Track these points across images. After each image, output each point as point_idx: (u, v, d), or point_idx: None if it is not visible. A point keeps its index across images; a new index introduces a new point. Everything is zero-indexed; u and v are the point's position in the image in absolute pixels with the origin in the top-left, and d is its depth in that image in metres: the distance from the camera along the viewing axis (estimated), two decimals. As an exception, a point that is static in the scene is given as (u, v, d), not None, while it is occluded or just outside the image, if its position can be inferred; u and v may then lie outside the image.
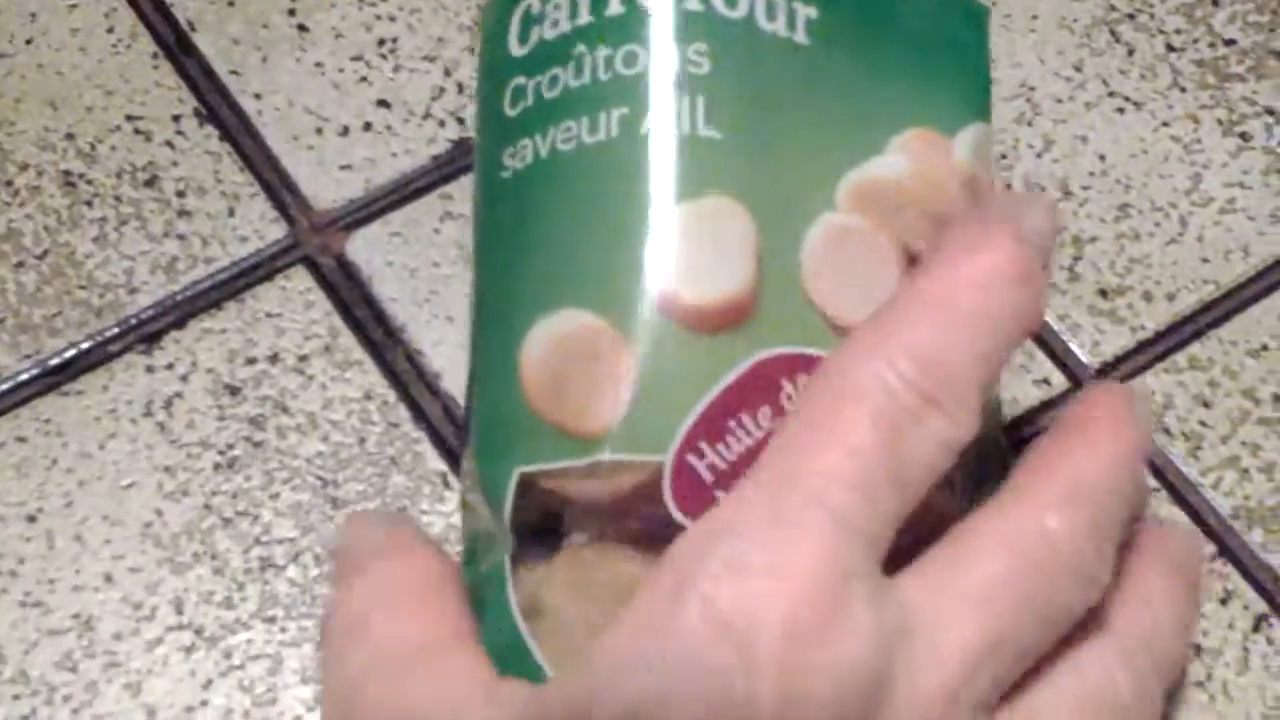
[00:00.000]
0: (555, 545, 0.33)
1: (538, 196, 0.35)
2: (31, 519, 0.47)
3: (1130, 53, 0.56)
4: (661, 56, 0.34)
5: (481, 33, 0.38)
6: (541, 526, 0.34)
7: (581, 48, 0.35)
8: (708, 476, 0.32)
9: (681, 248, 0.33)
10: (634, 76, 0.35)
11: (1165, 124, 0.55)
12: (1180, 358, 0.51)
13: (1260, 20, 0.57)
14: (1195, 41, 0.56)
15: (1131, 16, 0.57)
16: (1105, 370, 0.50)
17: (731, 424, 0.32)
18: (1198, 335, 0.51)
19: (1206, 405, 0.50)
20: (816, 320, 0.34)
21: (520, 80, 0.36)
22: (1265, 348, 0.51)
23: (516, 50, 0.36)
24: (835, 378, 0.31)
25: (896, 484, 0.31)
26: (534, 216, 0.35)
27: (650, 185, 0.34)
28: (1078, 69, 0.56)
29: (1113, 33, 0.57)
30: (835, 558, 0.29)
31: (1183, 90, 0.55)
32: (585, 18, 0.35)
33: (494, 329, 0.35)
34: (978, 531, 0.32)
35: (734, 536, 0.29)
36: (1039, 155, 0.54)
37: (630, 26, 0.35)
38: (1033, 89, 0.55)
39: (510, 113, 0.36)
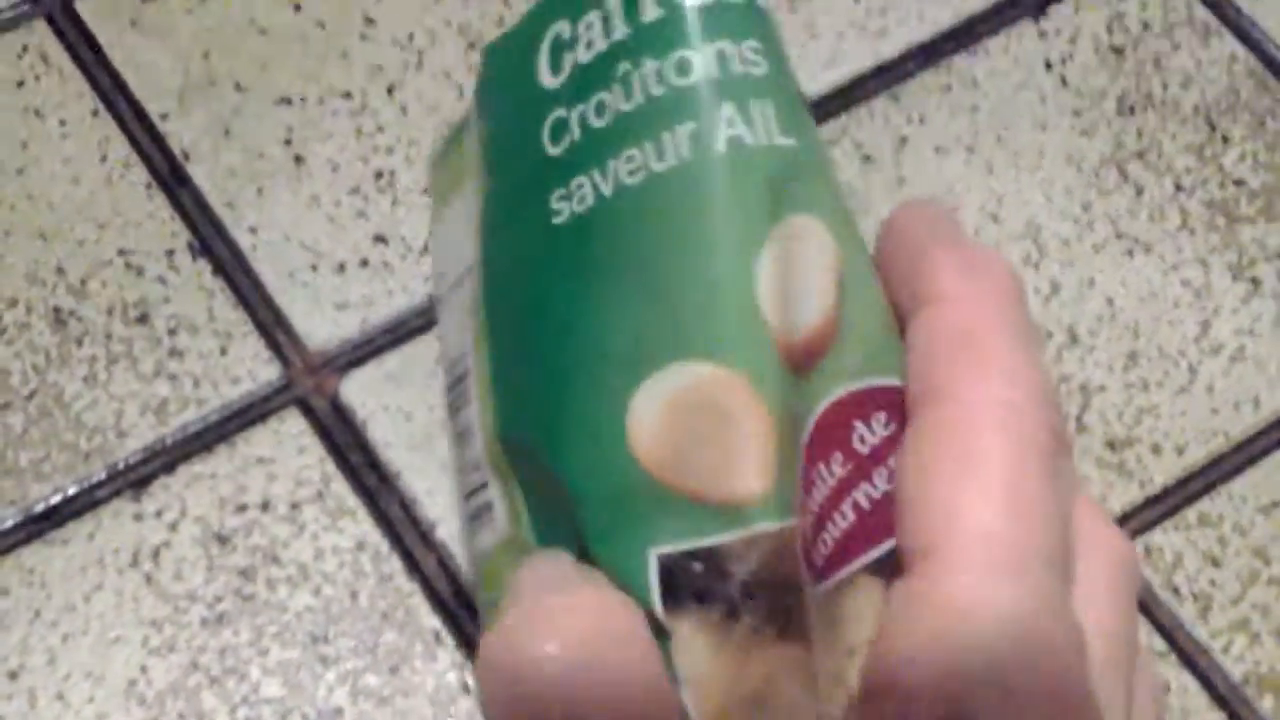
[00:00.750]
0: (705, 621, 0.29)
1: (610, 240, 0.30)
2: (13, 675, 0.46)
3: (1139, 193, 0.55)
4: (715, 59, 0.30)
5: (490, 75, 0.34)
6: (683, 603, 0.29)
7: (625, 65, 0.31)
8: (805, 534, 0.29)
9: (781, 278, 0.30)
10: (691, 87, 0.30)
11: (1174, 267, 0.54)
12: (1190, 514, 0.50)
13: (1271, 160, 0.56)
14: (1205, 182, 0.56)
15: (1140, 155, 0.56)
16: (1113, 526, 0.49)
17: (814, 474, 0.29)
18: (1208, 490, 0.50)
19: (1216, 564, 0.49)
20: (896, 345, 0.31)
21: (560, 113, 0.31)
22: (1276, 504, 0.50)
23: (549, 81, 0.32)
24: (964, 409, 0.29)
25: (1062, 514, 0.29)
26: (609, 263, 0.30)
27: (739, 209, 0.30)
28: (1085, 209, 0.55)
29: (1121, 171, 0.56)
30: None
31: (1192, 232, 0.55)
32: (622, 30, 0.31)
33: (583, 397, 0.30)
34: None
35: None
36: (1046, 300, 0.53)
37: (673, 31, 0.31)
38: (1040, 229, 0.55)
39: (553, 151, 0.31)
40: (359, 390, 0.51)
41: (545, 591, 0.28)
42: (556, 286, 0.31)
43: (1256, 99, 0.56)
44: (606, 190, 0.30)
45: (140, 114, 0.55)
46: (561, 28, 0.32)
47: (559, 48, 0.32)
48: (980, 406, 0.29)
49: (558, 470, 0.30)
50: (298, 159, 0.55)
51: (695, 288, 0.29)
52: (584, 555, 0.30)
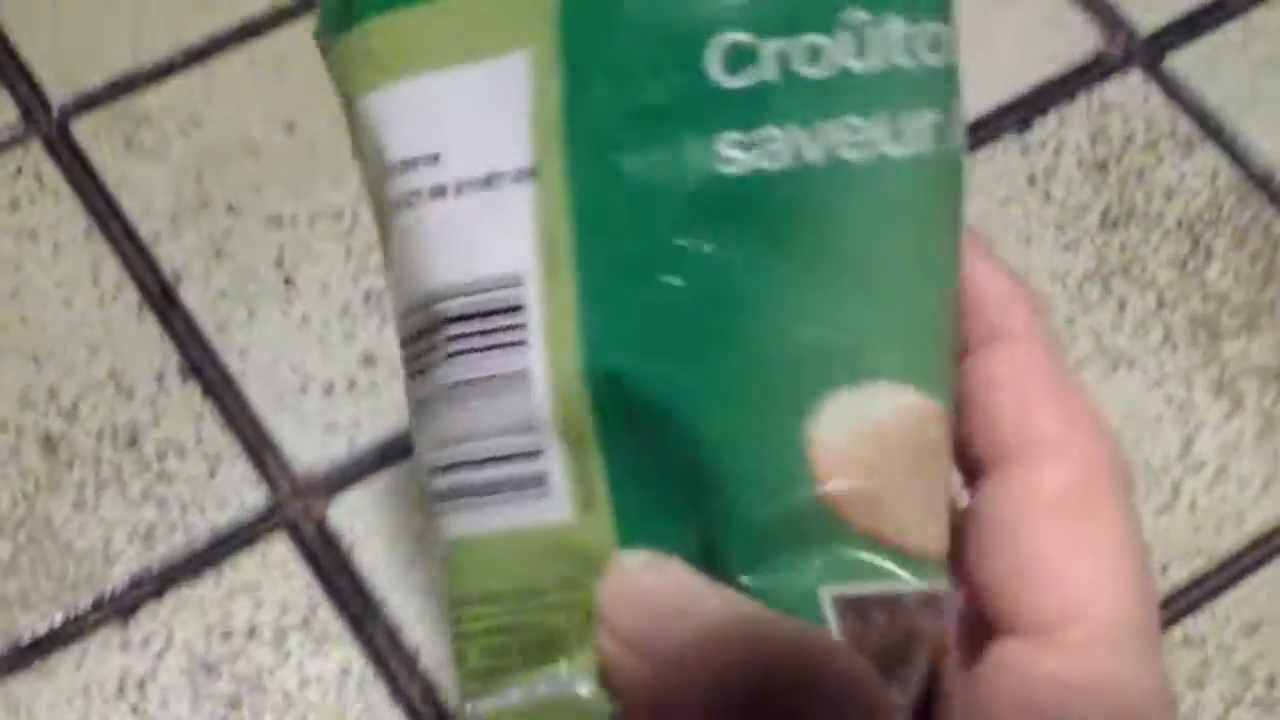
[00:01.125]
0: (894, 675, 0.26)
1: (811, 215, 0.25)
2: (0, 807, 0.46)
3: (1122, 307, 0.56)
4: (956, 41, 0.26)
5: None
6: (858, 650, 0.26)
7: (859, 12, 0.25)
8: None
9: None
10: (942, 70, 0.26)
11: (1157, 383, 0.54)
12: (1175, 633, 0.50)
13: (1253, 274, 0.56)
14: (1187, 296, 0.56)
15: (1124, 269, 0.56)
16: (1096, 648, 0.49)
17: None
18: (1191, 610, 0.50)
19: (1200, 686, 0.49)
20: None
21: (741, 38, 0.25)
22: (1260, 623, 0.50)
23: None
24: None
25: None
26: (804, 240, 0.25)
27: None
28: (1069, 323, 0.55)
29: (1105, 286, 0.56)
30: None
31: (1175, 348, 0.55)
32: None
33: (751, 386, 0.25)
34: None
35: None
36: (1029, 418, 0.53)
37: None
38: (1024, 345, 0.55)
39: (728, 83, 0.25)
40: (346, 514, 0.51)
41: (676, 621, 0.24)
42: (718, 242, 0.25)
43: (1239, 212, 0.56)
44: (813, 156, 0.25)
45: (132, 235, 0.56)
46: None
47: None
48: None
49: (703, 450, 0.25)
50: (288, 280, 0.56)
51: (916, 302, 0.26)
52: (709, 560, 0.25)
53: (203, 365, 0.54)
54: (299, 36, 0.60)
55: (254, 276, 0.55)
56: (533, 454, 0.26)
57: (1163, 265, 0.56)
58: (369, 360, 0.54)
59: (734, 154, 0.25)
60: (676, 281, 0.25)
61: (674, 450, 0.25)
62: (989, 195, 0.57)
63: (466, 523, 0.26)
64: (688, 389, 0.25)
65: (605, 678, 0.25)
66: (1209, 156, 0.58)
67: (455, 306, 0.26)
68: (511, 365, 0.25)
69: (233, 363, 0.54)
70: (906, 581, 0.25)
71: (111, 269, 0.56)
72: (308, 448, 0.52)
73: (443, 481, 0.26)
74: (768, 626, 0.24)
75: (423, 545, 0.51)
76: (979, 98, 0.59)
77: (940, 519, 0.26)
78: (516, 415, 0.25)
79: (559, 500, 0.25)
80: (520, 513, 0.26)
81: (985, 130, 0.59)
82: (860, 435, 0.25)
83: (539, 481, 0.26)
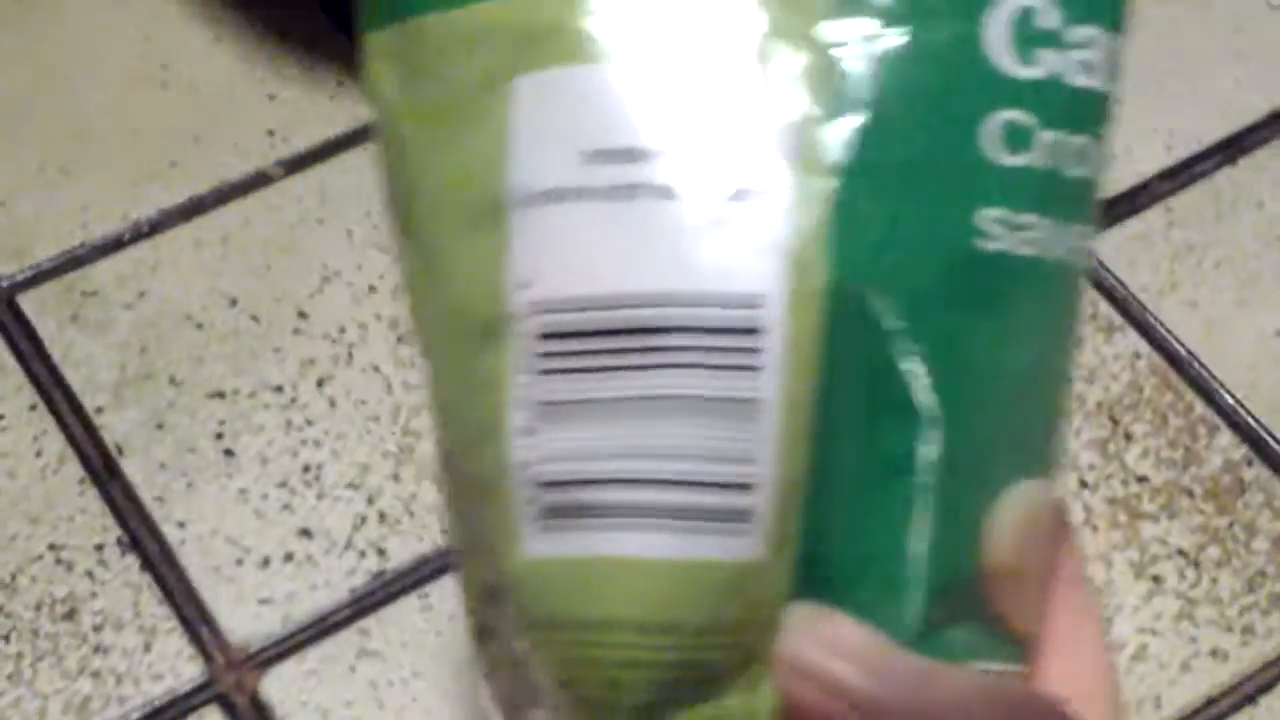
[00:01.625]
0: None
1: (1031, 305, 0.25)
2: None
3: (1045, 488, 0.57)
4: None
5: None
6: None
7: (1103, 126, 0.25)
8: None
9: None
10: (1095, 184, 0.27)
11: (1079, 563, 0.56)
12: (1092, 813, 0.51)
13: (1173, 457, 0.58)
14: (1108, 478, 0.57)
15: (1047, 449, 0.58)
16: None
17: None
18: (1109, 790, 0.51)
19: None
20: None
21: (1021, 119, 0.24)
22: (1176, 804, 0.51)
23: (1011, 66, 0.24)
24: None
25: None
26: (1019, 328, 0.25)
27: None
28: (993, 503, 0.57)
29: (1028, 466, 0.57)
30: None
31: (1095, 529, 0.56)
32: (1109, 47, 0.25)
33: (958, 481, 0.25)
34: None
35: None
36: (953, 597, 0.55)
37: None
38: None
39: (999, 159, 0.24)
40: (279, 687, 0.52)
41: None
42: (961, 310, 0.25)
43: (1159, 395, 0.58)
44: (1057, 252, 0.25)
45: (77, 408, 0.57)
46: (1028, 3, 0.24)
47: (1030, 32, 0.24)
48: None
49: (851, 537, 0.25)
50: (228, 452, 0.57)
51: (1060, 396, 0.27)
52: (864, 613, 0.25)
53: (141, 537, 0.55)
54: (243, 213, 0.62)
55: (194, 449, 0.56)
56: (744, 487, 0.24)
57: (1084, 447, 0.58)
58: (306, 533, 0.55)
59: (994, 230, 0.24)
60: (916, 345, 0.24)
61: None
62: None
63: (629, 543, 0.24)
64: None
65: (788, 714, 0.24)
66: (1130, 340, 0.60)
67: (678, 315, 0.23)
68: (740, 390, 0.23)
69: (171, 534, 0.55)
70: (1014, 662, 0.27)
71: (55, 441, 0.56)
72: (243, 620, 0.53)
73: (604, 494, 0.24)
74: (1000, 687, 0.26)
75: (354, 717, 0.51)
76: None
77: (1043, 600, 0.27)
78: (736, 444, 0.23)
79: (756, 539, 0.24)
80: (708, 543, 0.24)
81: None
82: (1023, 524, 0.26)
83: (743, 517, 0.24)
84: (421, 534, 0.55)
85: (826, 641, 0.24)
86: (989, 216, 0.24)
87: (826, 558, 0.24)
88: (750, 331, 0.23)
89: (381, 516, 0.55)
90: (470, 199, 0.25)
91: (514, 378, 0.25)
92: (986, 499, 0.25)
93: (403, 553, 0.55)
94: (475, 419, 0.25)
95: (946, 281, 0.24)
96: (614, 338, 0.24)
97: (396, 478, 0.56)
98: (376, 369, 0.59)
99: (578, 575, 0.24)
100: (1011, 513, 0.26)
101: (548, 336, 0.24)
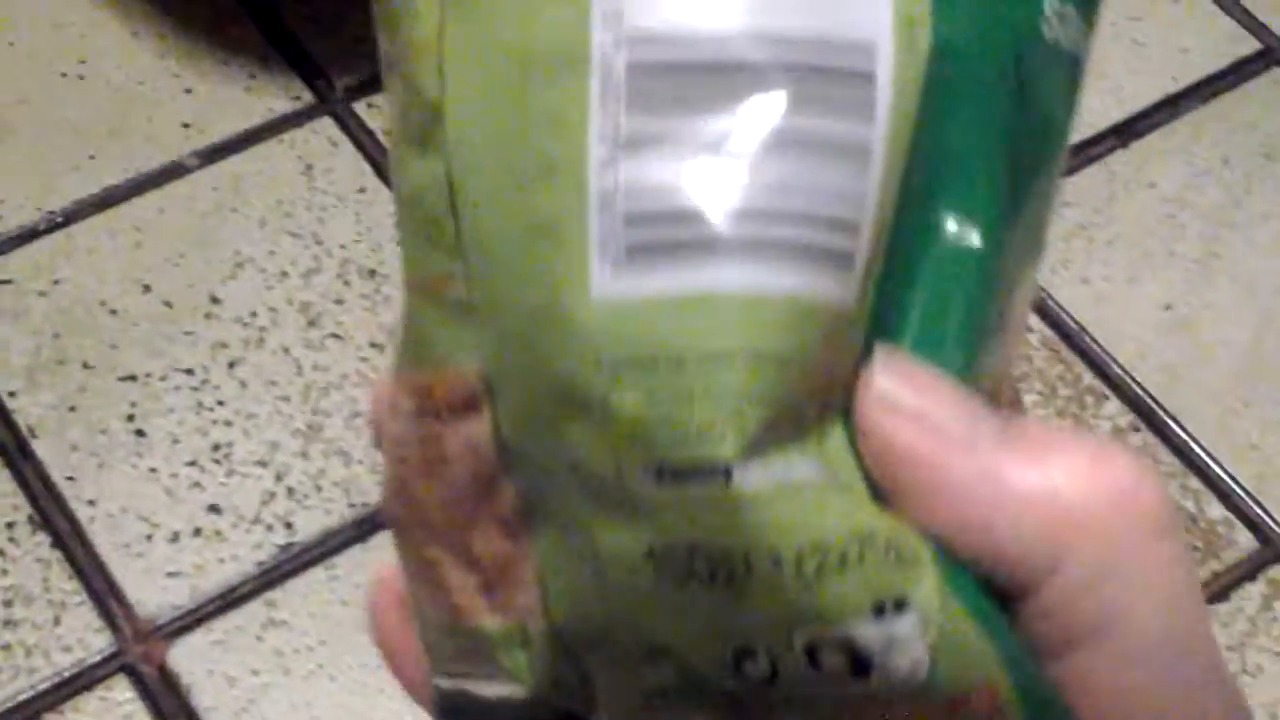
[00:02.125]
0: None
1: (1069, 106, 0.27)
2: None
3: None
4: None
5: None
6: None
7: None
8: None
9: None
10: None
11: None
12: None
13: (1062, 425, 0.59)
14: (1000, 447, 0.59)
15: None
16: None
17: None
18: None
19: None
20: None
21: None
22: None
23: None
24: None
25: None
26: (1061, 132, 0.27)
27: None
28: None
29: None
30: None
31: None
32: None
33: (993, 273, 0.26)
34: None
35: None
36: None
37: None
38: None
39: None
40: (186, 657, 0.53)
41: None
42: (1034, 86, 0.26)
43: (1049, 367, 0.59)
44: (1068, 44, 0.27)
45: (-10, 391, 0.58)
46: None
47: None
48: None
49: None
50: (139, 433, 0.58)
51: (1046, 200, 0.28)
52: None
53: (53, 516, 0.56)
54: (158, 203, 0.63)
55: (106, 430, 0.58)
56: (850, 229, 0.23)
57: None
58: (214, 509, 0.56)
59: (1053, 19, 0.25)
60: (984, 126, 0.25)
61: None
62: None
63: (735, 276, 0.23)
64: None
65: (881, 451, 0.24)
66: (1022, 315, 0.61)
67: (798, 54, 0.23)
68: (855, 135, 0.23)
69: (82, 512, 0.56)
70: None
71: (-32, 423, 0.58)
72: (151, 594, 0.54)
73: (704, 228, 0.23)
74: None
75: (259, 685, 0.53)
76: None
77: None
78: (847, 186, 0.23)
79: (853, 283, 0.24)
80: (812, 281, 0.23)
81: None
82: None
83: (845, 260, 0.23)
84: (329, 508, 0.57)
85: (913, 379, 0.24)
86: (1051, 5, 0.25)
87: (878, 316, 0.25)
88: (865, 77, 0.23)
89: (290, 492, 0.57)
90: None
91: (596, 111, 0.23)
92: (1006, 298, 0.26)
93: (310, 527, 0.56)
94: (532, 159, 0.24)
95: (1014, 65, 0.25)
96: (717, 74, 0.23)
97: (305, 455, 0.57)
98: (287, 351, 0.60)
99: (675, 310, 0.23)
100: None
101: (640, 69, 0.23)
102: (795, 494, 0.23)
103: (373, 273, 0.62)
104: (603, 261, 0.23)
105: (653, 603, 0.23)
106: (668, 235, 0.23)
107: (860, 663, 0.22)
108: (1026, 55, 0.25)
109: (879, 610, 0.22)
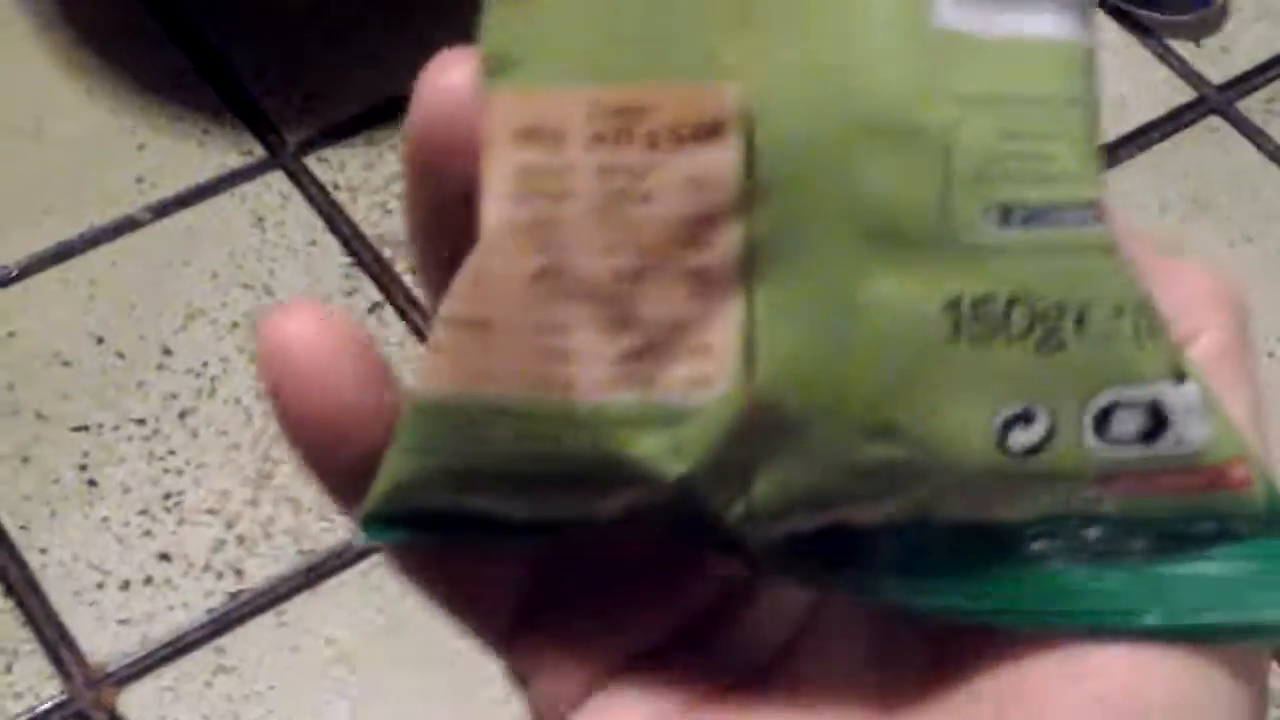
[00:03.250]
0: None
1: None
2: None
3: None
4: None
5: None
6: None
7: None
8: None
9: None
10: None
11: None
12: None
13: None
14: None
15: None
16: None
17: None
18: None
19: None
20: None
21: None
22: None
23: None
24: None
25: None
26: None
27: None
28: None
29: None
30: None
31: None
32: None
33: None
34: None
35: None
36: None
37: None
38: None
39: None
40: (137, 704, 0.54)
41: None
42: None
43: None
44: None
45: (-56, 443, 0.59)
46: None
47: None
48: None
49: None
50: (91, 482, 0.58)
51: None
52: None
53: (5, 564, 0.56)
54: (112, 256, 0.64)
55: (58, 480, 0.58)
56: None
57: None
58: (165, 557, 0.57)
59: None
60: None
61: None
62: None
63: (1068, 27, 0.24)
64: None
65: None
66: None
67: None
68: None
69: (34, 561, 0.57)
70: None
71: (-78, 474, 0.58)
72: (102, 641, 0.55)
73: None
74: None
75: (208, 732, 0.53)
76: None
77: None
78: None
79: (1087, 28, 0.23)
80: (1092, 39, 0.23)
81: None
82: None
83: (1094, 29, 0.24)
84: (278, 555, 0.57)
85: None
86: None
87: None
88: None
89: (240, 540, 0.57)
90: None
91: None
92: None
93: (259, 574, 0.57)
94: None
95: None
96: None
97: (255, 503, 0.58)
98: (238, 401, 0.61)
99: (1021, 52, 0.23)
100: None
101: None
102: (1120, 251, 0.22)
103: (323, 323, 0.63)
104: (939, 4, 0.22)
105: (927, 361, 0.22)
106: None
107: (1157, 425, 0.22)
108: None
109: (1180, 376, 0.22)
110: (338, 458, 0.21)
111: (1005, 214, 0.22)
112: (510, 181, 0.21)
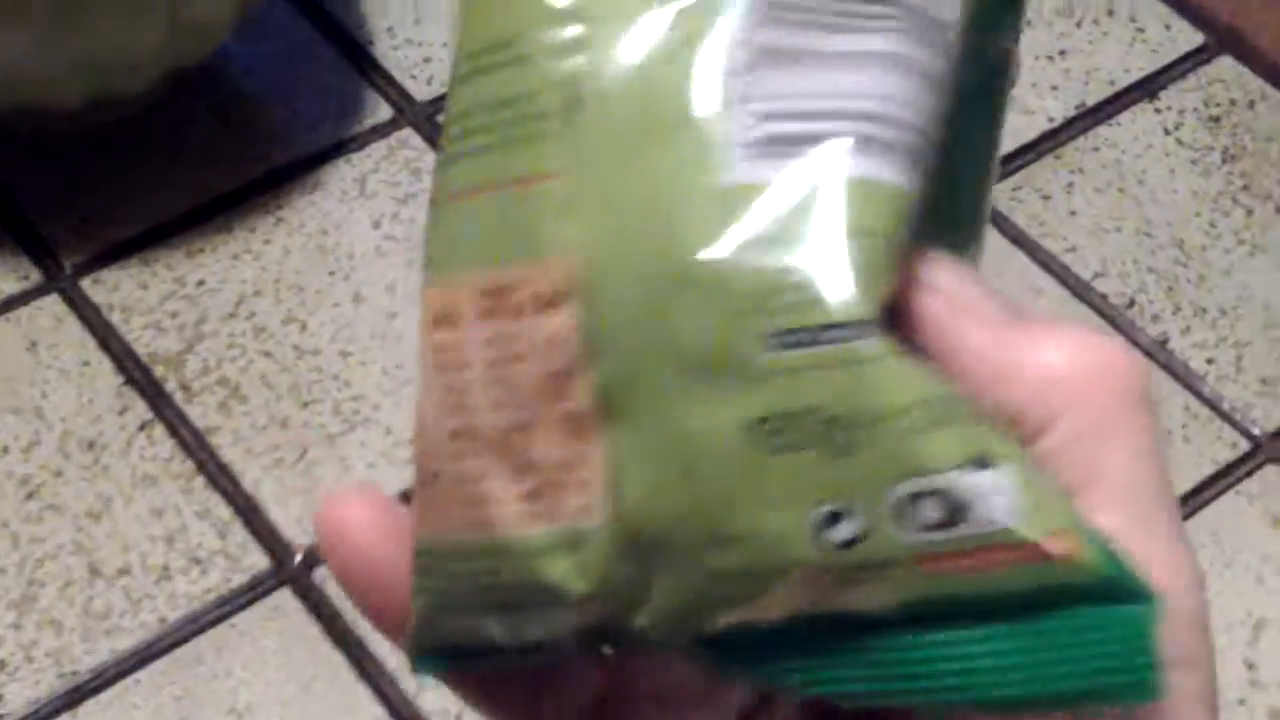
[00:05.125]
0: None
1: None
2: None
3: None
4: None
5: None
6: None
7: None
8: None
9: None
10: None
11: None
12: None
13: None
14: None
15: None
16: None
17: None
18: None
19: None
20: None
21: None
22: None
23: None
24: None
25: None
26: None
27: None
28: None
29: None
30: None
31: None
32: None
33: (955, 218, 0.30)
34: None
35: None
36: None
37: None
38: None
39: None
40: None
41: None
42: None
43: None
44: None
45: None
46: None
47: None
48: None
49: None
50: None
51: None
52: None
53: None
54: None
55: None
56: (926, 139, 0.27)
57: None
58: (-75, 686, 0.57)
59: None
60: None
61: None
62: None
63: (857, 166, 0.27)
64: None
65: (917, 322, 0.27)
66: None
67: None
68: (938, 68, 0.27)
69: None
70: None
71: None
72: None
73: (815, 125, 0.27)
74: None
75: None
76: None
77: None
78: (921, 101, 0.27)
79: (917, 177, 0.27)
80: (905, 176, 0.27)
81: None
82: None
83: (916, 156, 0.27)
84: (39, 679, 0.58)
85: (947, 266, 0.27)
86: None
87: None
88: (946, 28, 0.27)
89: (1, 664, 0.58)
90: None
91: (735, 23, 0.26)
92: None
93: (19, 698, 0.57)
94: (668, 57, 0.26)
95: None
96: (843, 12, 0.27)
97: (18, 626, 0.59)
98: (5, 525, 0.61)
99: (796, 194, 0.26)
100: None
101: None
102: (906, 354, 0.25)
103: (92, 444, 0.64)
104: (730, 153, 0.26)
105: (744, 476, 0.24)
106: (792, 131, 0.26)
107: (957, 509, 0.24)
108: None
109: (979, 462, 0.24)
110: (392, 613, 0.27)
111: (785, 339, 0.25)
112: (430, 359, 0.26)
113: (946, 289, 0.26)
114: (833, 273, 0.25)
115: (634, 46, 0.27)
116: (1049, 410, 0.25)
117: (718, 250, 0.25)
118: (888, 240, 0.25)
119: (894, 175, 0.26)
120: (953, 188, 0.29)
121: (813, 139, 0.26)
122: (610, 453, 0.25)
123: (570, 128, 0.26)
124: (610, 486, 0.25)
